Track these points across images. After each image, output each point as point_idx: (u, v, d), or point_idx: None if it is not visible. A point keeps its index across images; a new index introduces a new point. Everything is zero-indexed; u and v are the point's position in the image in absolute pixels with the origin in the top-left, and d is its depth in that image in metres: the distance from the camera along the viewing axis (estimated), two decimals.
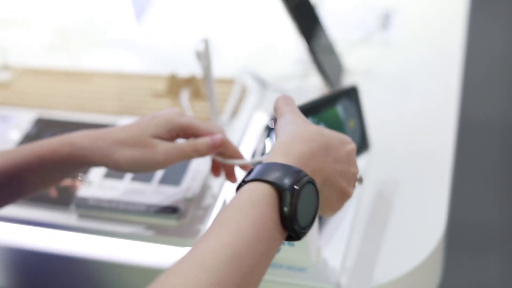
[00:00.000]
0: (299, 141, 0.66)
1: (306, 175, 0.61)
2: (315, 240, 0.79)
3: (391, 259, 0.84)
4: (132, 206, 0.89)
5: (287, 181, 0.60)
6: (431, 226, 0.88)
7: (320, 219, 0.87)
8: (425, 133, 1.03)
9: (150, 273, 0.88)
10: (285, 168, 0.61)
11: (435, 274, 0.91)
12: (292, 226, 0.60)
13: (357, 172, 0.72)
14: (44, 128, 1.04)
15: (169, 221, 0.87)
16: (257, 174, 0.61)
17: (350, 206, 0.90)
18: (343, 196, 0.70)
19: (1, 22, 1.42)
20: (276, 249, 0.60)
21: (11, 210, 0.92)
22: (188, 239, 0.86)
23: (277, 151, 0.64)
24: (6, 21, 1.42)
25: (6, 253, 0.94)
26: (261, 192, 0.60)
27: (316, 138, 0.67)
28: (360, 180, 0.76)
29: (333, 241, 0.85)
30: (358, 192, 0.92)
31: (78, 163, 0.78)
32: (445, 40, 1.25)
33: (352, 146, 0.72)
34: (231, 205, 0.59)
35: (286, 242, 0.78)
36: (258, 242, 0.57)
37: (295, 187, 0.60)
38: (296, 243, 0.77)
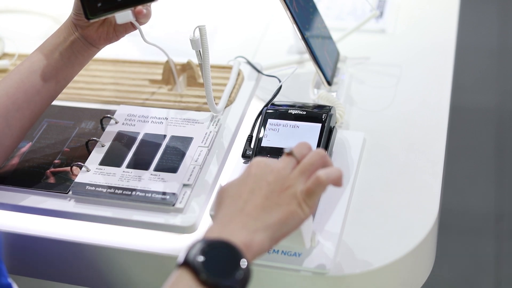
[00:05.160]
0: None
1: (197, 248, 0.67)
2: (309, 226, 0.80)
3: (385, 244, 0.85)
4: (129, 192, 0.89)
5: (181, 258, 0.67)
6: (425, 212, 0.89)
7: None
8: (419, 121, 1.04)
9: (146, 259, 0.89)
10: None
11: (428, 258, 0.92)
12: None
13: (293, 187, 0.73)
14: (42, 116, 1.04)
15: (166, 207, 0.88)
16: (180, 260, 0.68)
17: (344, 193, 0.91)
18: (291, 217, 0.72)
19: None
20: None
21: (9, 196, 0.93)
22: (184, 225, 0.86)
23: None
24: (3, 9, 1.42)
25: (4, 239, 0.95)
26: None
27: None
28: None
29: (327, 227, 0.86)
30: (353, 178, 0.93)
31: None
32: (439, 29, 1.25)
33: (274, 175, 0.73)
34: None
35: None
36: None
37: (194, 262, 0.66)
38: None
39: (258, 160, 0.75)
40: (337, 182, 0.73)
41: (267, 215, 0.71)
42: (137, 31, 0.93)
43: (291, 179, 0.73)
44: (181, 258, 0.67)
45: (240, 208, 0.71)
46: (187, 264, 0.66)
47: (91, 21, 0.88)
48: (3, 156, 0.92)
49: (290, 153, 0.75)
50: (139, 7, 0.89)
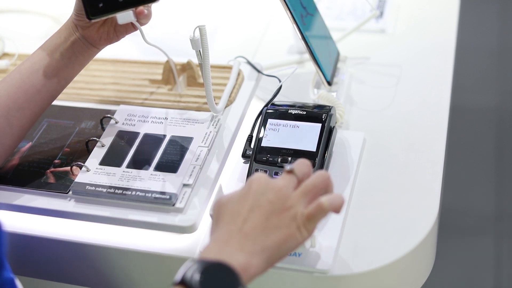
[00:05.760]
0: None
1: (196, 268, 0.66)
2: None
3: (385, 244, 0.85)
4: (129, 192, 0.89)
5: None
6: (425, 212, 0.89)
7: None
8: (419, 121, 1.04)
9: (146, 258, 0.89)
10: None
11: (428, 258, 0.92)
12: None
13: (293, 210, 0.71)
14: (42, 116, 1.05)
15: (166, 207, 0.88)
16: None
17: (344, 193, 0.91)
18: (289, 240, 0.70)
19: None
20: None
21: (9, 196, 0.93)
22: (184, 225, 0.86)
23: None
24: (3, 9, 1.42)
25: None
26: None
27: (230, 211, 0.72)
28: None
29: (327, 227, 0.86)
30: (353, 178, 0.93)
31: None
32: (439, 29, 1.25)
33: (275, 194, 0.72)
34: None
35: None
36: None
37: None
38: None
39: (259, 176, 0.74)
40: (338, 210, 0.71)
41: (266, 237, 0.69)
42: (137, 32, 0.93)
43: (293, 199, 0.71)
44: (178, 277, 0.66)
45: (238, 228, 0.70)
46: (184, 283, 0.65)
47: (92, 21, 0.88)
48: (3, 155, 0.93)
49: (290, 171, 0.74)
50: (140, 8, 0.89)
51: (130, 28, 0.93)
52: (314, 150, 0.91)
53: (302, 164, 0.75)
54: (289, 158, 0.90)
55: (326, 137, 0.92)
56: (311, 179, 0.73)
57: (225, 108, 1.03)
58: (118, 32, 0.93)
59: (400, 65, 1.16)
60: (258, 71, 1.10)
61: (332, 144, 0.95)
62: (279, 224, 0.70)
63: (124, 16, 0.88)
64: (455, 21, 1.26)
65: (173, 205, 0.88)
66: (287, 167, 0.74)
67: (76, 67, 0.94)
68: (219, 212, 0.73)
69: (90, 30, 0.91)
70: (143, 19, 0.90)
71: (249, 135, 0.98)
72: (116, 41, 0.95)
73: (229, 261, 0.67)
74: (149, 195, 0.89)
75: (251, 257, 0.68)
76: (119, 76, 1.12)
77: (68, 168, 0.95)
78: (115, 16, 0.89)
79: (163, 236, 0.89)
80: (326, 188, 0.73)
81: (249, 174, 0.91)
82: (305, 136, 0.92)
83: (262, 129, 0.95)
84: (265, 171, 0.90)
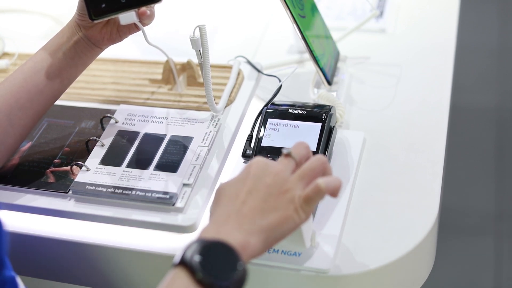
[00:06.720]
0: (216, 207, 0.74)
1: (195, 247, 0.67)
2: (309, 226, 0.80)
3: (385, 244, 0.85)
4: (129, 191, 0.89)
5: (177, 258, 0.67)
6: (425, 212, 0.89)
7: None
8: (419, 121, 1.04)
9: (146, 258, 0.89)
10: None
11: (428, 258, 0.92)
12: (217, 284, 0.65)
13: (290, 192, 0.72)
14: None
15: (166, 207, 0.88)
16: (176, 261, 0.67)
17: (344, 192, 0.91)
18: (286, 222, 0.71)
19: None
20: None
21: (9, 195, 0.93)
22: (184, 225, 0.86)
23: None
24: (3, 9, 1.42)
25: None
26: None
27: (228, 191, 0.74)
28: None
29: (327, 227, 0.86)
30: (353, 178, 0.93)
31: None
32: (439, 29, 1.25)
33: (274, 177, 0.73)
34: None
35: None
36: None
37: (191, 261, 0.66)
38: None
39: (258, 160, 0.75)
40: (335, 192, 0.72)
41: (263, 218, 0.70)
42: (138, 31, 0.93)
43: (290, 182, 0.72)
44: (177, 258, 0.67)
45: (237, 209, 0.71)
46: (183, 263, 0.66)
47: (95, 21, 0.89)
48: (5, 155, 0.93)
49: (288, 155, 0.75)
50: (143, 8, 0.89)
51: (133, 28, 0.93)
52: (314, 149, 0.91)
53: (299, 147, 0.76)
54: None
55: (326, 137, 0.92)
56: (309, 163, 0.74)
57: (225, 107, 1.03)
58: (121, 32, 0.94)
59: (400, 65, 1.16)
60: (258, 70, 1.10)
61: (332, 144, 0.95)
62: (276, 206, 0.71)
63: (127, 17, 0.89)
64: (455, 21, 1.26)
65: (173, 204, 0.88)
66: (285, 150, 0.75)
67: (78, 67, 0.94)
68: (218, 195, 0.74)
69: (93, 30, 0.92)
70: (145, 19, 0.91)
71: (249, 135, 0.98)
72: (119, 41, 0.95)
73: (227, 239, 0.68)
74: (149, 194, 0.89)
75: (249, 236, 0.69)
76: (119, 75, 1.12)
77: (68, 167, 0.95)
78: (117, 17, 0.89)
79: (163, 236, 0.89)
80: (323, 171, 0.74)
81: None
82: (305, 135, 0.92)
83: (262, 128, 0.95)
84: None
